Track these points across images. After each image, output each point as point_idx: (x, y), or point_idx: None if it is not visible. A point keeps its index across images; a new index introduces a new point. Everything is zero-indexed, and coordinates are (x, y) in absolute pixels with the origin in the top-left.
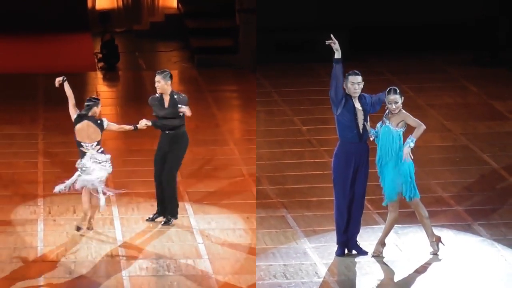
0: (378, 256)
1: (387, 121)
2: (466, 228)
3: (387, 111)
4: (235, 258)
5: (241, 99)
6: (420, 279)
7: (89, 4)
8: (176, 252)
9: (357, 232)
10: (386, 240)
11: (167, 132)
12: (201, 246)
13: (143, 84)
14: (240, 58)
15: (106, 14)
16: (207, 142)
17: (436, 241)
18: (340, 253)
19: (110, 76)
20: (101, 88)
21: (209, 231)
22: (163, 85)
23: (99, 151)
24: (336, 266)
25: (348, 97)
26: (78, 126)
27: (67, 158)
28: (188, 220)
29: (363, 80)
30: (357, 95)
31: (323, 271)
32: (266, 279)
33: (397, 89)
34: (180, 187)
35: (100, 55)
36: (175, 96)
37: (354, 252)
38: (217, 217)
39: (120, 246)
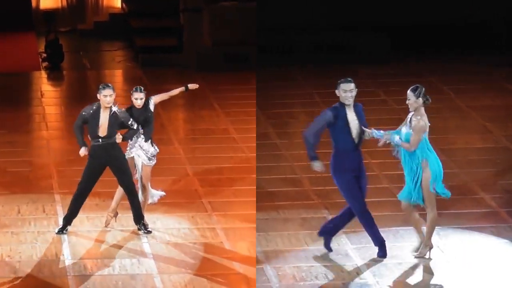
0: (422, 257)
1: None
2: (508, 230)
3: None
4: (180, 257)
5: (185, 99)
6: (460, 281)
7: (33, 3)
8: (121, 252)
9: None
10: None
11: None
12: (145, 245)
13: (87, 84)
14: (184, 58)
15: (50, 13)
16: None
17: (429, 247)
18: (382, 254)
19: (55, 76)
20: (46, 87)
21: (154, 230)
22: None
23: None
24: (378, 267)
25: (340, 107)
26: None
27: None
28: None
29: (356, 87)
30: (350, 103)
31: (364, 272)
32: (308, 280)
33: (417, 87)
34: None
35: (44, 55)
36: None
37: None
38: (162, 216)
39: (65, 245)
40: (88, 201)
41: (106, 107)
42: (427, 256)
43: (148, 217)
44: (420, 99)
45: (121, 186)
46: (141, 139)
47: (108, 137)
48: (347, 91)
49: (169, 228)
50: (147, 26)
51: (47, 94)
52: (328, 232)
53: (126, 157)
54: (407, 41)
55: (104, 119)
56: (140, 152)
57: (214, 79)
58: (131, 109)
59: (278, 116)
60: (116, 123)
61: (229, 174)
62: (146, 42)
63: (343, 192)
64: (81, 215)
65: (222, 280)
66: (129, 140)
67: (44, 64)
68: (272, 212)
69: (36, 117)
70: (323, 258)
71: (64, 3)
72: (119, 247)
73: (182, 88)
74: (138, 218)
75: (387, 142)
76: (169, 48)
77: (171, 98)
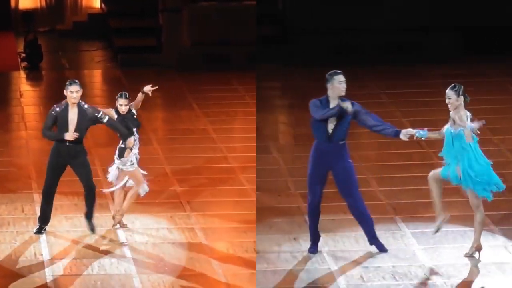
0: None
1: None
2: None
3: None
4: (159, 257)
5: (164, 99)
6: None
7: (12, 3)
8: (100, 252)
9: (372, 224)
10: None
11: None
12: (125, 245)
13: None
14: (163, 58)
15: (29, 13)
16: None
17: (477, 249)
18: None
19: (34, 76)
20: (25, 87)
21: (132, 230)
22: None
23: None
24: (446, 268)
25: (324, 100)
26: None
27: None
28: (111, 219)
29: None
30: (344, 93)
31: (433, 273)
32: (375, 281)
33: (455, 85)
34: (104, 187)
35: (23, 55)
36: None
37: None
38: (141, 216)
39: (43, 245)
40: (66, 201)
41: (74, 103)
42: (475, 256)
43: (127, 217)
44: (461, 97)
45: (83, 183)
46: (137, 144)
47: (76, 139)
48: (342, 82)
49: (148, 228)
50: (126, 26)
51: (26, 94)
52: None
53: (133, 169)
54: (478, 42)
55: (72, 116)
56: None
57: (193, 79)
58: (118, 115)
59: None
60: (85, 120)
61: (208, 174)
62: (125, 42)
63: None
64: (59, 215)
65: (201, 280)
66: (131, 149)
67: (23, 64)
68: (340, 213)
69: (15, 117)
70: (391, 259)
71: (43, 3)
72: (98, 247)
73: (140, 94)
74: (90, 216)
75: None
76: (148, 48)
77: (148, 97)
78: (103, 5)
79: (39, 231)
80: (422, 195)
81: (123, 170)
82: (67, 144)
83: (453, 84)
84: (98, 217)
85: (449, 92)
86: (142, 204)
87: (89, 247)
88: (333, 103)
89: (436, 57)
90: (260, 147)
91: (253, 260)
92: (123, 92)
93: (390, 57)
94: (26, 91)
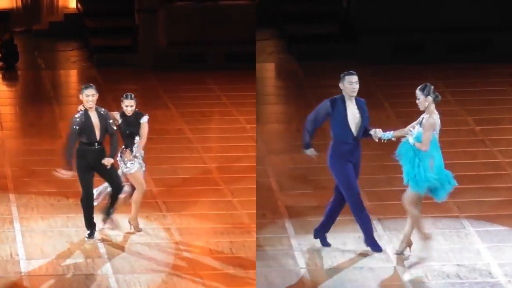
0: (400, 254)
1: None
2: None
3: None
4: (134, 257)
5: (139, 98)
6: None
7: None
8: (76, 252)
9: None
10: None
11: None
12: (100, 245)
13: (42, 84)
14: (139, 58)
15: (4, 13)
16: (106, 140)
17: (408, 245)
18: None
19: (9, 76)
20: (1, 88)
21: (108, 230)
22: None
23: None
24: (510, 266)
25: (339, 99)
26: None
27: None
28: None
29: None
30: (354, 94)
31: (497, 271)
32: (439, 279)
33: (425, 85)
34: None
35: None
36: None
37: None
38: (117, 216)
39: (19, 245)
40: (43, 201)
41: (91, 108)
42: (406, 253)
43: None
44: (429, 97)
45: (111, 184)
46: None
47: (102, 141)
48: (352, 83)
49: (124, 228)
50: (102, 26)
51: (2, 94)
52: (320, 232)
53: (133, 171)
54: None
55: (95, 120)
56: (141, 160)
57: (169, 79)
58: (124, 115)
59: None
60: (106, 121)
61: (184, 174)
62: (101, 42)
63: (340, 182)
64: (36, 215)
65: (177, 279)
66: (133, 153)
67: None
68: (401, 212)
69: None
70: (455, 257)
71: (19, 3)
72: (74, 247)
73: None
74: (109, 212)
75: (392, 139)
76: (124, 48)
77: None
78: (79, 5)
79: (91, 235)
80: (486, 194)
81: (124, 173)
82: (96, 147)
83: (423, 84)
84: (75, 218)
85: (417, 92)
86: (118, 204)
87: (65, 247)
88: (349, 103)
89: (502, 56)
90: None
91: (229, 259)
92: (128, 93)
93: (455, 56)
94: (1, 91)
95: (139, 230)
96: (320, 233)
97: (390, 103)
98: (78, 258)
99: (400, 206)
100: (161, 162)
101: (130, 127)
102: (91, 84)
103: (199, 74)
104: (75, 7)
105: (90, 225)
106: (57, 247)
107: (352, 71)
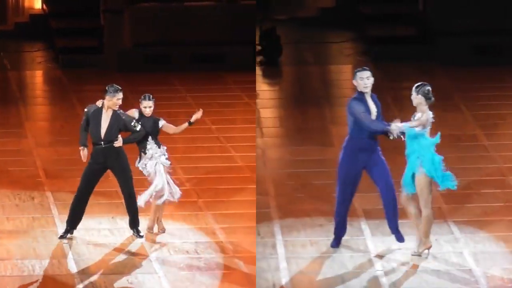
0: (419, 256)
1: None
2: None
3: None
4: (100, 258)
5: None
6: None
7: None
8: (41, 252)
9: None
10: None
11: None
12: (66, 246)
13: (8, 84)
14: (105, 58)
15: None
16: (72, 142)
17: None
18: (335, 244)
19: None
20: None
21: (74, 231)
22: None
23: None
24: None
25: (359, 97)
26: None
27: None
28: (53, 220)
29: (372, 76)
30: (367, 90)
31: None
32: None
33: (419, 84)
34: (45, 187)
35: None
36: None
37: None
38: (83, 217)
39: None
40: (8, 202)
41: (110, 109)
42: (423, 255)
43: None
44: (420, 96)
45: (122, 189)
46: (156, 148)
47: (109, 140)
48: (363, 79)
49: (90, 229)
50: (68, 26)
51: None
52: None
53: (149, 169)
54: None
55: (106, 118)
56: (163, 158)
57: (135, 79)
58: (140, 116)
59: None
60: (117, 124)
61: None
62: (66, 43)
63: (339, 175)
64: (1, 216)
65: (142, 280)
66: (143, 153)
67: None
68: (482, 215)
69: None
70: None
71: None
72: (39, 248)
73: (186, 124)
74: (134, 223)
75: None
76: (90, 49)
77: (90, 97)
78: (44, 6)
79: (65, 235)
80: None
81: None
82: (103, 146)
83: (419, 83)
84: (40, 218)
85: (413, 88)
86: None
87: (30, 248)
88: (368, 99)
89: None
90: (401, 147)
91: (195, 260)
92: (147, 94)
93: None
94: None
95: (163, 230)
96: (391, 229)
97: (467, 105)
98: (43, 259)
99: (478, 209)
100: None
101: (145, 127)
102: (120, 88)
103: (165, 75)
104: (40, 7)
105: (69, 225)
106: (22, 247)
107: (365, 67)
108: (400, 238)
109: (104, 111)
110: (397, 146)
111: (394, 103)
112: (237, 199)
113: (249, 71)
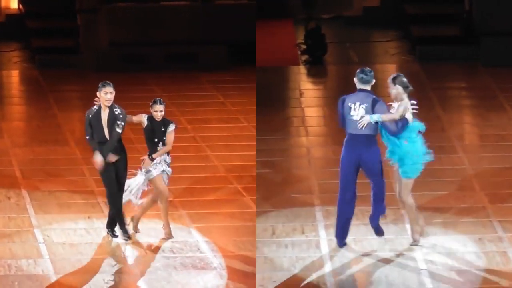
0: (417, 245)
1: None
2: None
3: None
4: (76, 258)
5: (83, 99)
6: None
7: None
8: (17, 252)
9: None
10: None
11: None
12: (42, 245)
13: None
14: (82, 58)
15: None
16: (48, 141)
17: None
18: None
19: None
20: None
21: (50, 230)
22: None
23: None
24: None
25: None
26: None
27: None
28: (29, 220)
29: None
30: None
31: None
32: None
33: (395, 75)
34: (21, 187)
35: None
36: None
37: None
38: (58, 216)
39: None
40: None
41: (106, 106)
42: (420, 243)
43: (44, 218)
44: (398, 85)
45: (118, 186)
46: (165, 155)
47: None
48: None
49: (66, 229)
50: (44, 26)
51: None
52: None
53: (155, 175)
54: None
55: (105, 117)
56: (165, 166)
57: (111, 79)
58: (151, 120)
59: None
60: (113, 122)
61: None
62: (42, 43)
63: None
64: None
65: (118, 279)
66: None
67: None
68: None
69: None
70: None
71: None
72: (15, 247)
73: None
74: (110, 224)
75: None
76: (66, 49)
77: (67, 98)
78: (20, 6)
79: (114, 234)
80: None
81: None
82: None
83: (394, 74)
84: (16, 218)
85: (388, 81)
86: (60, 205)
87: (6, 247)
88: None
89: None
90: (445, 147)
91: (171, 259)
92: (157, 98)
93: None
94: None
95: (170, 236)
96: (372, 222)
97: (511, 105)
98: (19, 258)
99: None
100: None
101: (155, 133)
102: (108, 82)
103: (141, 75)
104: (16, 7)
105: (118, 224)
106: None
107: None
108: (379, 231)
109: (102, 111)
110: None
111: (439, 102)
112: (213, 198)
113: (223, 70)
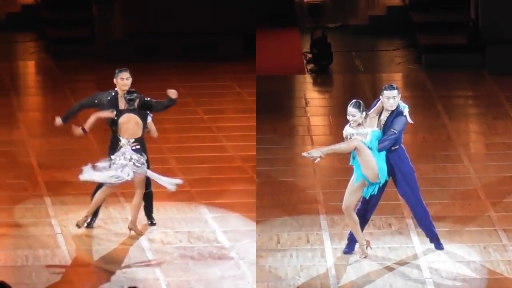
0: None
1: None
2: None
3: None
4: (94, 249)
5: (98, 90)
6: None
7: None
8: (34, 243)
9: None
10: None
11: None
12: (59, 236)
13: (0, 75)
14: (96, 49)
15: None
16: (65, 132)
17: (367, 244)
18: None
19: None
20: None
21: (67, 221)
22: None
23: (134, 148)
24: None
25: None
26: (121, 120)
27: None
28: (46, 210)
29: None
30: (392, 109)
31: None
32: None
33: (357, 102)
34: (38, 178)
35: None
36: None
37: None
38: (75, 207)
39: None
40: (1, 193)
41: (124, 91)
42: (363, 256)
43: (61, 208)
44: (365, 112)
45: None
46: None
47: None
48: (390, 98)
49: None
50: (59, 17)
51: None
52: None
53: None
54: None
55: (121, 106)
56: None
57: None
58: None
59: None
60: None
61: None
62: (58, 33)
63: None
64: None
65: (135, 269)
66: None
67: None
68: None
69: None
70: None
71: None
72: (33, 238)
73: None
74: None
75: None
76: (81, 39)
77: (80, 88)
78: None
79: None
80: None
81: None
82: None
83: (354, 101)
84: (33, 209)
85: (352, 109)
86: (77, 195)
87: (23, 238)
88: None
89: None
90: (451, 156)
91: (188, 249)
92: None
93: None
94: None
95: (141, 233)
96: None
97: None
98: (36, 249)
99: None
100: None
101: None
102: (125, 68)
103: (156, 65)
104: None
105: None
106: (14, 238)
107: (392, 85)
108: (438, 246)
109: (119, 97)
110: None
111: (445, 110)
112: (230, 188)
113: (240, 60)
